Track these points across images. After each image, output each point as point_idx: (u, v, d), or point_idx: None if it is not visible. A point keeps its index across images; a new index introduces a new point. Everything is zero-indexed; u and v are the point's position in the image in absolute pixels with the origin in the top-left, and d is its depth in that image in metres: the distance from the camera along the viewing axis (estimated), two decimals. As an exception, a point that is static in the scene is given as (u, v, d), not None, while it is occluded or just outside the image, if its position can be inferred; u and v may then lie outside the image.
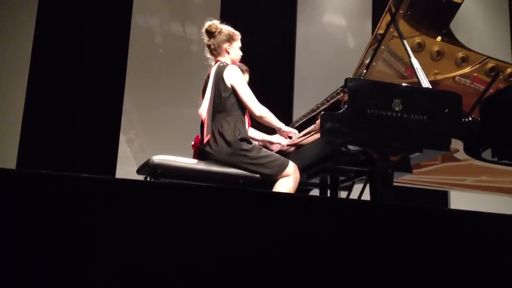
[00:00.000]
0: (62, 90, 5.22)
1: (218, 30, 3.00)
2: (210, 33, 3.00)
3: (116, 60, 5.45)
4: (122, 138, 5.39)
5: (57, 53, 5.30)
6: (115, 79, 5.42)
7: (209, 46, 3.02)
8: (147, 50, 5.67)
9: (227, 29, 3.02)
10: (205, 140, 2.78)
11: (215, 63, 3.00)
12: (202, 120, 2.88)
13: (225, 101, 2.84)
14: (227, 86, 2.85)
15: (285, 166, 2.76)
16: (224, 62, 2.97)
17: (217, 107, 2.85)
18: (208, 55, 3.06)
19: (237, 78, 2.87)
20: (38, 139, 5.07)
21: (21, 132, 5.08)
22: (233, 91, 2.85)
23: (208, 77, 2.96)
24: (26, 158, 5.00)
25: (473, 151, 3.01)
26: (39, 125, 5.12)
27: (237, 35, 3.04)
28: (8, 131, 5.08)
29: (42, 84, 5.21)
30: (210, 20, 3.03)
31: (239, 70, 2.93)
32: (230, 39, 3.00)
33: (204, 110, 2.86)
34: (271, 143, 3.13)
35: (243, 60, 3.14)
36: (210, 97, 2.87)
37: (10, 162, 4.91)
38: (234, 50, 3.02)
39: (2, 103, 5.15)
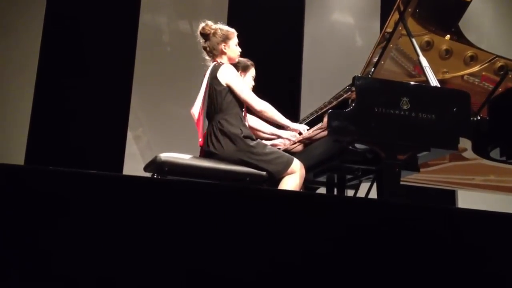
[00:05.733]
0: (70, 88, 5.24)
1: (212, 32, 2.95)
2: (205, 35, 2.96)
3: (124, 58, 5.46)
4: (129, 135, 5.41)
5: (65, 51, 5.32)
6: (123, 76, 5.43)
7: (205, 48, 2.98)
8: (154, 48, 5.68)
9: (221, 28, 2.97)
10: (200, 141, 2.78)
11: (212, 63, 2.97)
12: (195, 120, 2.87)
13: (222, 101, 2.83)
14: (222, 85, 2.84)
15: (290, 163, 2.75)
16: (221, 62, 2.94)
17: (214, 108, 2.85)
18: (206, 57, 3.01)
19: (232, 76, 2.85)
20: (46, 136, 5.10)
21: (29, 129, 5.12)
22: (229, 90, 2.84)
23: (204, 77, 2.95)
24: (34, 154, 5.03)
25: (481, 150, 2.99)
26: (47, 122, 5.14)
27: (232, 33, 2.98)
28: (16, 128, 5.11)
29: (50, 81, 5.23)
30: (204, 22, 2.99)
31: (233, 68, 2.91)
32: (225, 38, 2.95)
33: (196, 110, 2.85)
34: (280, 137, 3.12)
35: (250, 55, 3.12)
36: (204, 97, 2.86)
37: (18, 158, 4.94)
38: (231, 49, 2.96)
39: (11, 100, 5.18)
